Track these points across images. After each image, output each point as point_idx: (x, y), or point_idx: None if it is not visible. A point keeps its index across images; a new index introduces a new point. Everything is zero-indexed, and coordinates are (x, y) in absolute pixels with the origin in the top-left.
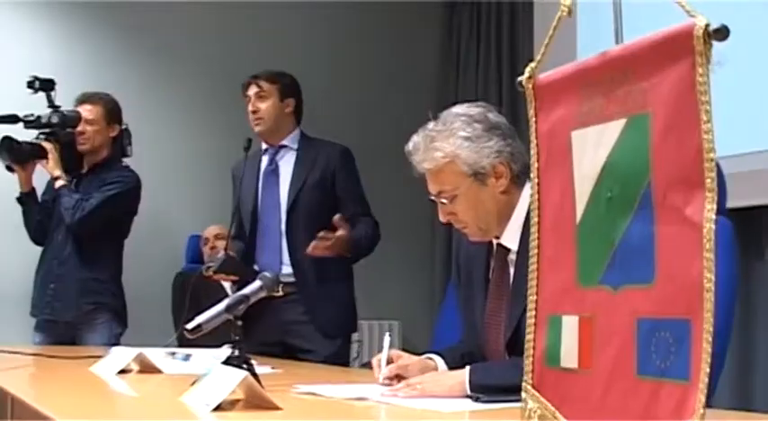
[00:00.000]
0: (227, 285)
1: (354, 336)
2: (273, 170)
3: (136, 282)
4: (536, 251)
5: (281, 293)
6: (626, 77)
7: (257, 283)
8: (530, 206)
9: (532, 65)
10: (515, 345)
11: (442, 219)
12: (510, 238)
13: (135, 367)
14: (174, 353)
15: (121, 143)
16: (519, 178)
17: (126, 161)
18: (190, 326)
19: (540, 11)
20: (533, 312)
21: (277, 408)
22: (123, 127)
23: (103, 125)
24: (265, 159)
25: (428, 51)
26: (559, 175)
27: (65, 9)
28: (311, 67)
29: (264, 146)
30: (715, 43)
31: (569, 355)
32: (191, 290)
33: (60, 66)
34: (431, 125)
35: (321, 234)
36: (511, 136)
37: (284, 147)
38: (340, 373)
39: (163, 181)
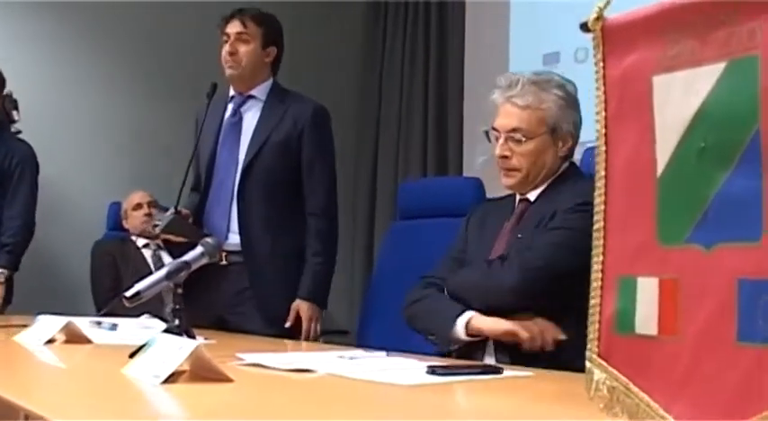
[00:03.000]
0: (147, 253)
1: None
2: (236, 123)
3: (51, 252)
4: (602, 207)
5: (224, 262)
6: (728, 18)
7: (199, 250)
8: (596, 156)
9: (600, 4)
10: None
11: (499, 152)
12: (534, 195)
13: (61, 337)
14: (99, 323)
15: (5, 111)
16: (569, 157)
17: (30, 129)
18: (128, 293)
19: (472, 10)
20: (599, 274)
21: (229, 380)
22: (6, 93)
23: None
24: (230, 108)
25: (350, 52)
26: (635, 125)
27: None
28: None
29: (232, 93)
30: None
31: (647, 321)
32: (110, 257)
33: None
34: (530, 74)
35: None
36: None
37: (253, 97)
38: (275, 345)
39: (77, 148)
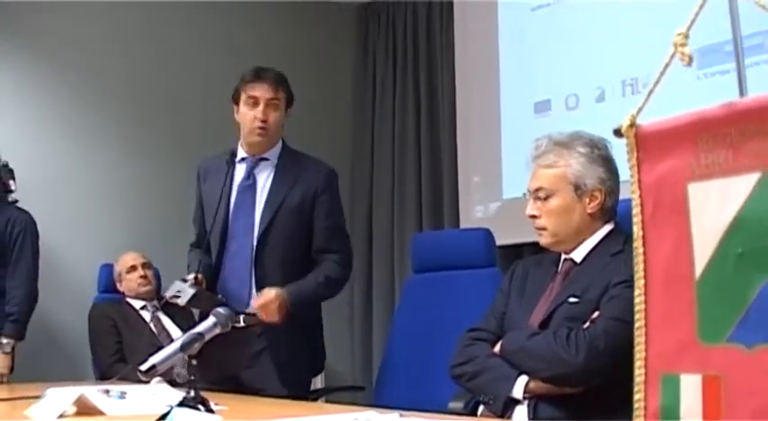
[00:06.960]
0: (146, 315)
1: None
2: (250, 186)
3: (43, 317)
4: (642, 306)
5: (242, 324)
6: (760, 130)
7: (211, 320)
8: (634, 257)
9: (633, 112)
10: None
11: (528, 211)
12: (580, 256)
13: (72, 409)
14: (107, 391)
15: (2, 181)
16: (606, 212)
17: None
18: (144, 367)
19: (462, 60)
20: (642, 370)
21: None
22: (2, 163)
23: None
24: (241, 170)
25: (342, 57)
26: (672, 229)
27: None
28: (212, 77)
29: (242, 154)
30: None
31: (692, 412)
32: (111, 321)
33: None
34: (557, 134)
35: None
36: (616, 175)
37: (265, 159)
38: (286, 408)
39: (63, 211)
